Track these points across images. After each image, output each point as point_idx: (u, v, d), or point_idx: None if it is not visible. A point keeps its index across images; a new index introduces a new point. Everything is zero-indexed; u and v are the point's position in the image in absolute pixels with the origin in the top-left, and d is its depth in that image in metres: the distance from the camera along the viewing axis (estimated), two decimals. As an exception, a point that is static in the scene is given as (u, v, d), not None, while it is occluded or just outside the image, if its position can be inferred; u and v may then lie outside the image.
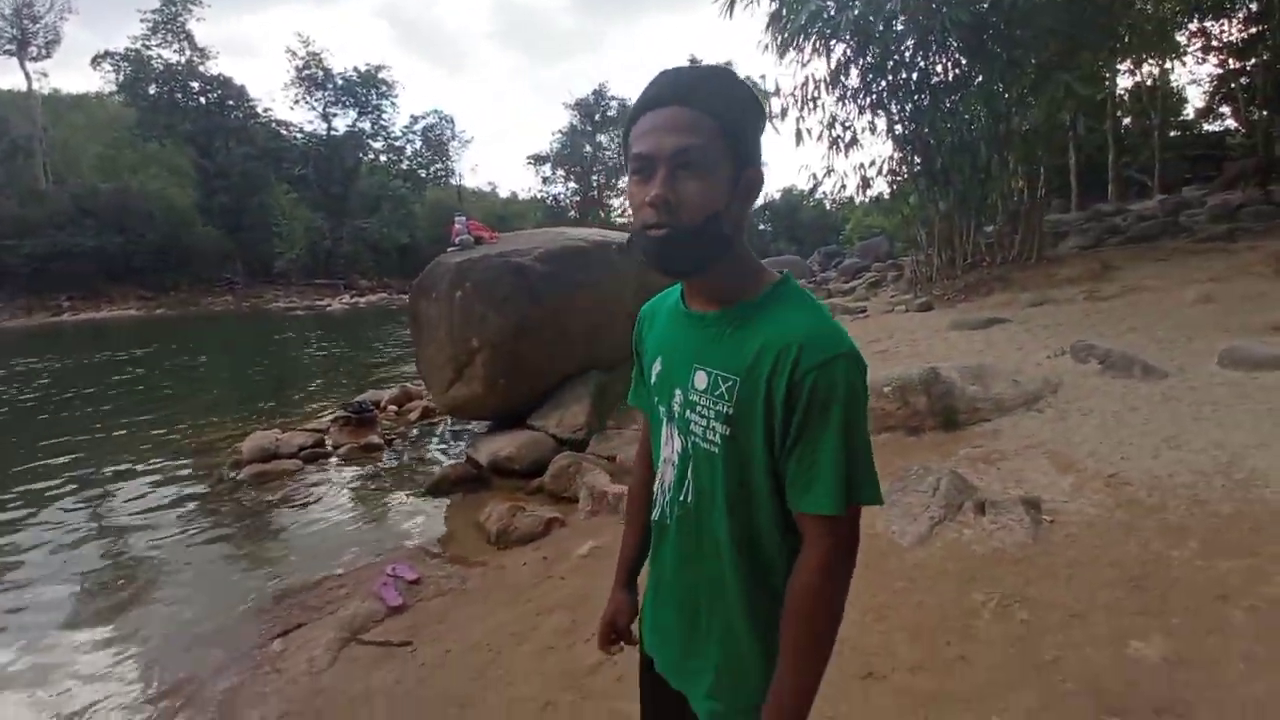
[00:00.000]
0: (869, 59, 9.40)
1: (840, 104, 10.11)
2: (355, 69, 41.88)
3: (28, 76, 35.76)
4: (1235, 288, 6.50)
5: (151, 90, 36.87)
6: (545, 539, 3.60)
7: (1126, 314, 6.25)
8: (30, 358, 14.03)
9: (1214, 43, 16.44)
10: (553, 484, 4.29)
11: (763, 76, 41.61)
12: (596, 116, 46.18)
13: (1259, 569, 2.21)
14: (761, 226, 50.19)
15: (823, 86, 9.62)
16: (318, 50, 40.97)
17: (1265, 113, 16.31)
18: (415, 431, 6.40)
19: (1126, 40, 8.93)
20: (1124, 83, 16.30)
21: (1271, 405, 3.58)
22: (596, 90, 46.17)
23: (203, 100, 38.37)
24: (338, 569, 3.55)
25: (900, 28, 7.77)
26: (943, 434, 3.89)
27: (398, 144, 45.42)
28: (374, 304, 32.83)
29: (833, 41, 9.20)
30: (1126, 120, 19.24)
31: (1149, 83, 17.70)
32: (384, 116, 43.94)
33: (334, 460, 5.63)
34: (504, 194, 53.56)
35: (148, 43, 36.65)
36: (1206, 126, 22.26)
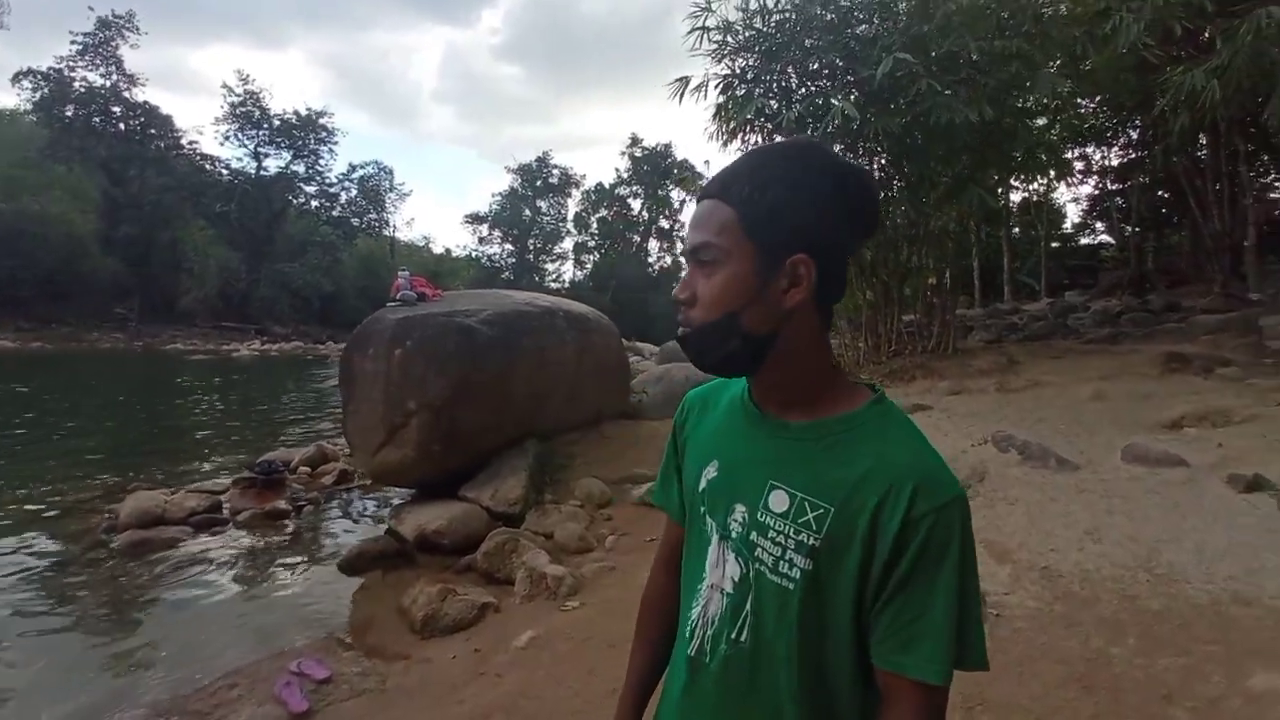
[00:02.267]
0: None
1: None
2: (295, 111, 41.19)
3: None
4: (1124, 386, 7.15)
5: (69, 111, 34.67)
6: (477, 627, 3.31)
7: (1033, 406, 6.72)
8: None
9: (1094, 166, 18.88)
10: (486, 563, 3.98)
11: (706, 162, 44.24)
12: (538, 182, 47.18)
13: (1194, 668, 2.28)
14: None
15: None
16: (256, 89, 40.10)
17: (1138, 229, 18.71)
18: (331, 498, 5.89)
19: (1023, 160, 10.08)
20: (1015, 197, 18.25)
21: (1174, 500, 3.85)
22: (540, 157, 47.53)
23: (122, 126, 36.42)
24: (230, 665, 3.09)
25: (831, 130, 8.44)
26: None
27: (332, 190, 44.46)
28: (287, 352, 31.00)
29: (774, 136, 9.85)
30: (1016, 230, 21.49)
31: (1035, 198, 19.96)
32: (320, 162, 43.13)
33: (231, 529, 5.06)
34: (438, 249, 52.99)
35: (74, 64, 34.78)
36: (1083, 240, 25.30)
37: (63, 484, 6.23)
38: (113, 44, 35.70)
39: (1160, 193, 17.55)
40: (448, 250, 52.88)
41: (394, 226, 49.28)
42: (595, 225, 48.43)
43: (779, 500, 0.72)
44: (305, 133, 41.76)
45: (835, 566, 0.68)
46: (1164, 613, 2.68)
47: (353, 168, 45.33)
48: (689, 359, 0.76)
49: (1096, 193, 20.80)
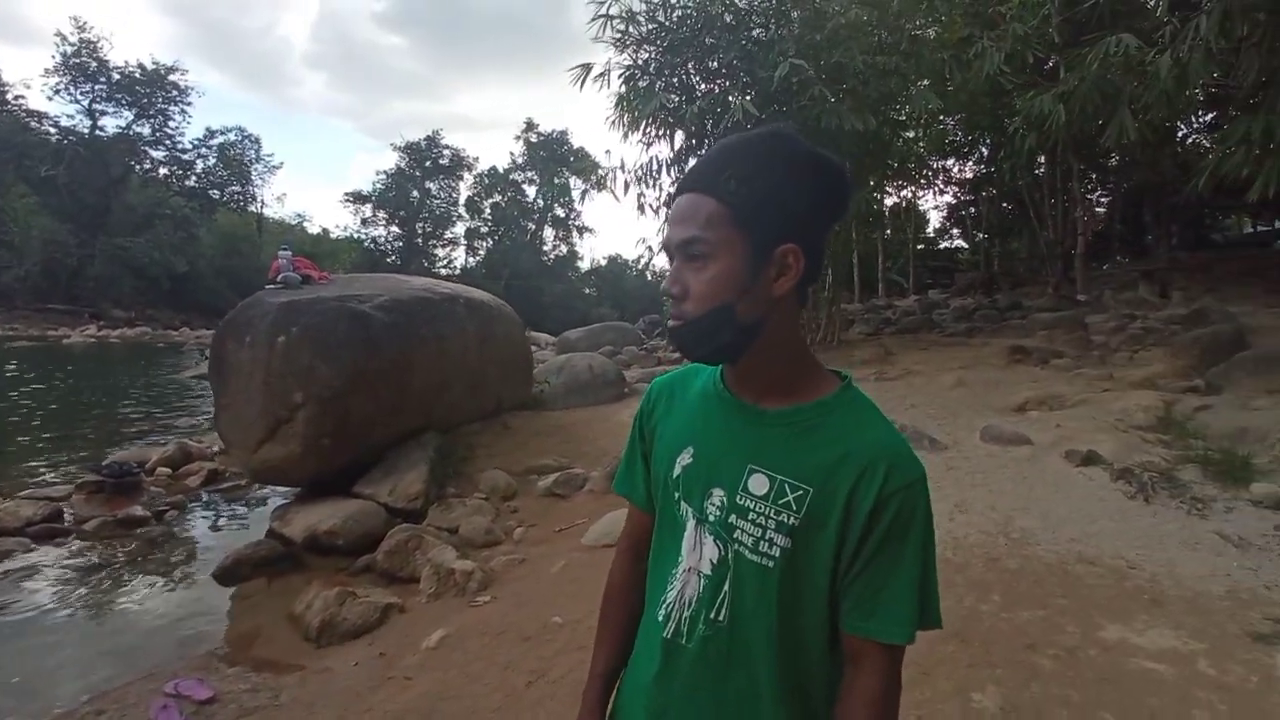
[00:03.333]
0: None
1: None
2: (140, 65, 36.30)
3: None
4: (979, 374, 8.03)
5: None
6: (381, 630, 3.13)
7: (907, 393, 7.39)
8: None
9: (953, 178, 20.94)
10: (387, 562, 3.77)
11: (607, 152, 44.17)
12: (427, 163, 44.85)
13: (1051, 620, 2.63)
14: (587, 290, 51.69)
15: (664, 168, 10.40)
16: (93, 38, 34.90)
17: (987, 236, 20.91)
18: (199, 501, 5.31)
19: (897, 168, 10.98)
20: (888, 202, 19.91)
21: (1023, 474, 4.40)
22: (429, 136, 45.11)
23: (-88, 70, 30.29)
24: (92, 690, 2.72)
25: (730, 126, 8.72)
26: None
27: (185, 157, 39.73)
28: (130, 339, 27.47)
29: (676, 130, 10.03)
30: (889, 232, 23.43)
31: (904, 204, 21.84)
32: (170, 124, 38.37)
33: (76, 539, 4.43)
34: (314, 229, 48.99)
35: None
36: (943, 244, 28.04)
37: None
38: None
39: (1006, 205, 19.76)
40: (325, 231, 49.15)
41: (261, 201, 45.05)
42: (488, 210, 46.85)
43: (759, 483, 0.74)
44: (151, 89, 36.97)
45: (811, 543, 0.72)
46: (1020, 571, 3.06)
47: (211, 133, 40.97)
48: (680, 350, 0.77)
49: (954, 202, 23.08)
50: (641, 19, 9.07)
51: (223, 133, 41.16)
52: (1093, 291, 12.86)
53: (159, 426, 8.83)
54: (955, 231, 26.91)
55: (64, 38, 34.45)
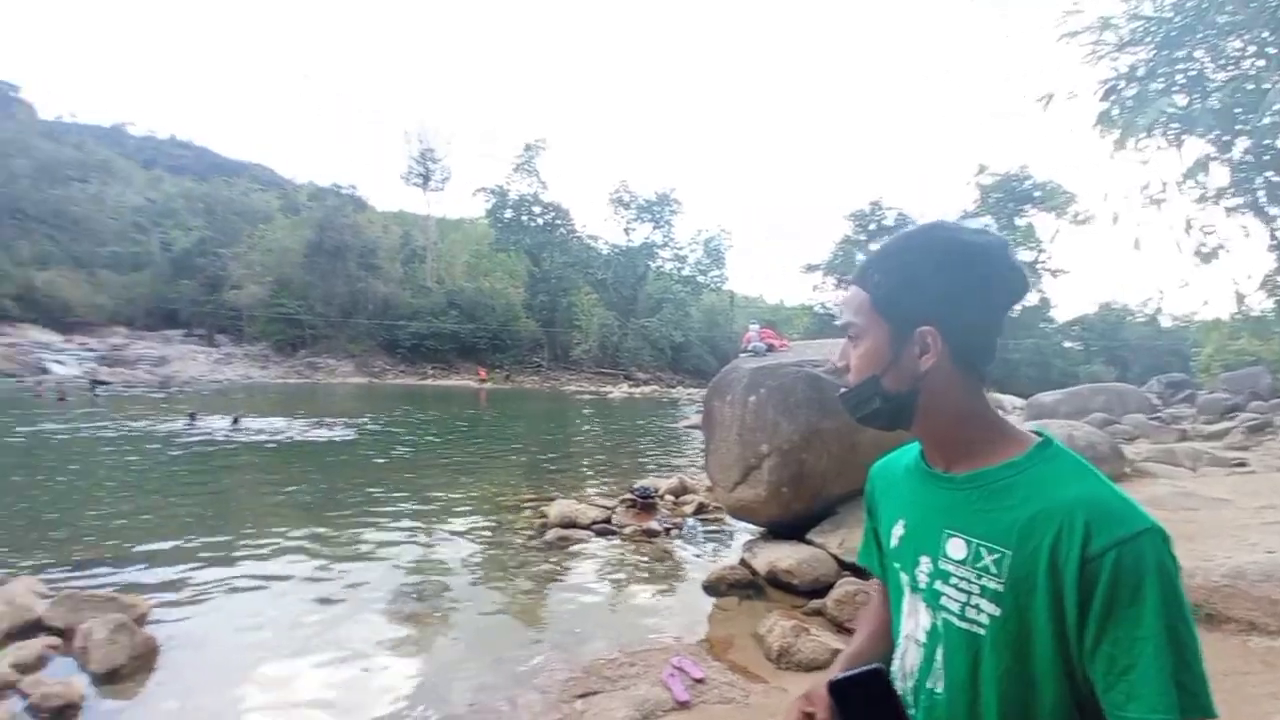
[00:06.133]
0: (1239, 154, 7.83)
1: (1200, 205, 8.48)
2: (655, 192, 48.94)
3: (427, 203, 49.67)
4: None
5: (508, 214, 47.66)
6: (829, 671, 3.39)
7: None
8: (406, 407, 18.43)
9: None
10: (836, 610, 4.05)
11: (1058, 185, 37.05)
12: (871, 226, 45.77)
13: None
14: (1068, 344, 42.99)
15: (1171, 186, 8.22)
16: (625, 180, 49.31)
17: None
18: (691, 525, 6.70)
19: None
20: None
21: None
22: (873, 202, 46.17)
23: (540, 221, 48.28)
24: (626, 646, 3.81)
25: (1266, 121, 6.32)
26: None
27: (681, 253, 50.99)
28: (647, 395, 36.02)
29: (1185, 137, 7.89)
30: None
31: None
32: (671, 230, 50.13)
33: (618, 540, 6.15)
34: (771, 300, 55.45)
35: (509, 180, 48.01)
36: None
37: (507, 488, 8.49)
38: (532, 161, 47.86)
39: None
40: (781, 301, 54.92)
41: (726, 280, 53.87)
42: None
43: (956, 547, 0.76)
44: (661, 207, 49.22)
45: (1025, 611, 0.69)
46: None
47: (700, 232, 51.55)
48: (848, 414, 0.88)
49: None
50: (1118, 22, 7.62)
51: (706, 231, 51.64)
52: None
53: (661, 462, 11.41)
54: None
55: (615, 191, 49.49)
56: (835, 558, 4.78)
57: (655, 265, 51.20)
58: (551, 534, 6.00)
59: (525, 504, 7.43)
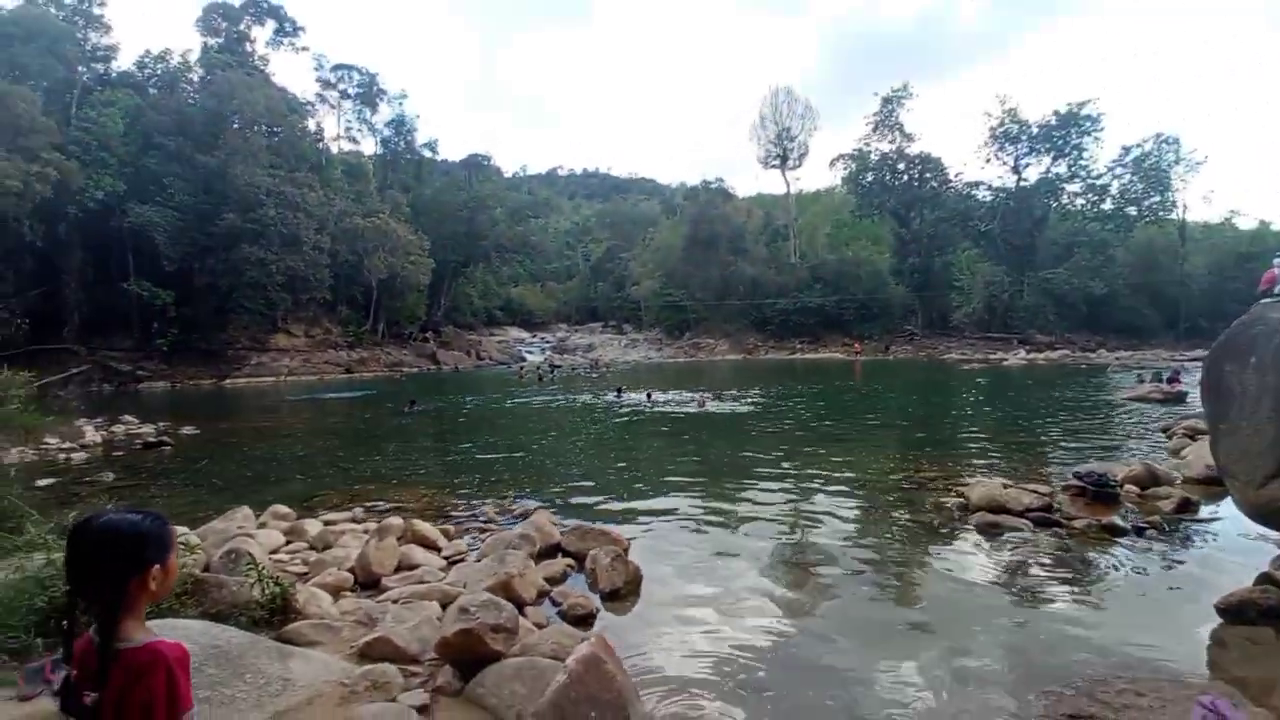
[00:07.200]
0: None
1: None
2: (1055, 112, 39.27)
3: (786, 182, 49.96)
4: None
5: (868, 178, 44.81)
6: None
7: None
8: (787, 381, 19.14)
9: None
10: None
11: None
12: None
13: None
14: None
15: None
16: (1014, 106, 40.61)
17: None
18: (1175, 525, 5.15)
19: None
20: None
21: None
22: None
23: (905, 178, 44.02)
24: (1121, 669, 3.08)
25: None
26: None
27: (1099, 183, 39.91)
28: (1053, 361, 29.75)
29: None
30: None
31: None
32: (1084, 156, 39.54)
33: (1066, 532, 5.10)
34: (1245, 225, 39.25)
35: (868, 141, 44.86)
36: None
37: (906, 463, 7.93)
38: (894, 115, 43.55)
39: None
40: (1263, 224, 38.38)
41: (1184, 206, 39.90)
42: None
43: None
44: (1065, 130, 39.18)
45: None
46: None
47: (1125, 150, 39.33)
48: None
49: None
50: None
51: (1139, 145, 38.95)
52: None
53: (1100, 445, 9.12)
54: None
55: (989, 115, 41.22)
56: None
57: (1059, 204, 41.35)
58: (976, 518, 5.33)
59: (933, 482, 6.81)
